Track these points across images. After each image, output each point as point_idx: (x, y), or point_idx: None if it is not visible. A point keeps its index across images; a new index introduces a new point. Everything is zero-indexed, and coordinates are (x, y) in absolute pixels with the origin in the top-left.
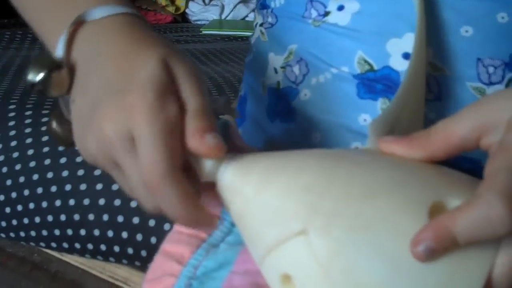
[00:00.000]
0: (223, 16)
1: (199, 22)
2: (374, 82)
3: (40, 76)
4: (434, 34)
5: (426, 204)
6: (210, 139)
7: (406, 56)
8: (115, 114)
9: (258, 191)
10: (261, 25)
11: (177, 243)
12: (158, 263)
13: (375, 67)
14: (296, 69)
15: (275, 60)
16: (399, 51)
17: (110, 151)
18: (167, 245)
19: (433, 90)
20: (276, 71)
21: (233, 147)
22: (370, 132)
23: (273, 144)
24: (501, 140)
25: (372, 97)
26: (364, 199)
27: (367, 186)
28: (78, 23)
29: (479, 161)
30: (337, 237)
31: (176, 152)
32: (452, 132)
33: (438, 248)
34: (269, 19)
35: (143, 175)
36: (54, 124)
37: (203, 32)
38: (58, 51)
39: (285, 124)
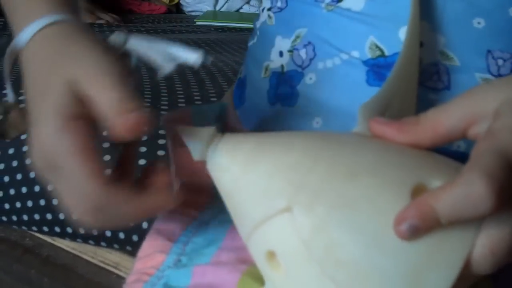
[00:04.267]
0: (217, 8)
1: (193, 13)
2: (384, 69)
3: None
4: (446, 23)
5: (409, 185)
6: (129, 117)
7: None
8: (35, 143)
9: (245, 170)
10: (269, 9)
11: (168, 221)
12: (150, 241)
13: (386, 53)
14: (303, 53)
15: (282, 43)
16: None
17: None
18: (159, 224)
19: (443, 79)
20: (281, 54)
21: (229, 129)
22: (359, 115)
23: (269, 126)
24: (488, 128)
25: (380, 84)
26: (347, 178)
27: (351, 166)
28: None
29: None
30: (320, 214)
31: (99, 168)
32: (440, 121)
33: (422, 226)
34: (278, 4)
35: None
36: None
37: (197, 23)
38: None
39: (286, 107)
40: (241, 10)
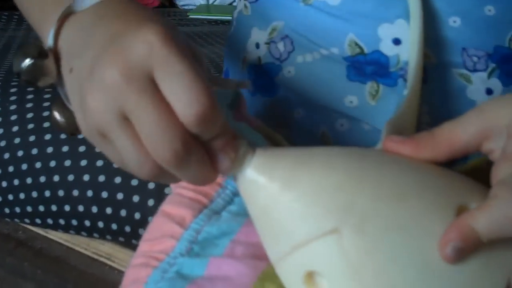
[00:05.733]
0: (210, 1)
1: (186, 7)
2: (364, 65)
3: (25, 64)
4: (424, 22)
5: (453, 207)
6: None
7: (396, 41)
8: (117, 60)
9: (285, 187)
10: None
11: (178, 205)
12: (158, 223)
13: (366, 51)
14: (280, 45)
15: (259, 35)
16: (390, 36)
17: (117, 103)
18: (167, 206)
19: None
20: (258, 46)
21: (240, 116)
22: (384, 132)
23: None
24: (504, 148)
25: (361, 80)
26: (395, 200)
27: (397, 188)
28: (68, 14)
29: None
30: (370, 237)
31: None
32: (457, 136)
33: (465, 247)
34: None
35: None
36: (56, 114)
37: (190, 16)
38: (49, 42)
39: (266, 97)
40: (234, 3)
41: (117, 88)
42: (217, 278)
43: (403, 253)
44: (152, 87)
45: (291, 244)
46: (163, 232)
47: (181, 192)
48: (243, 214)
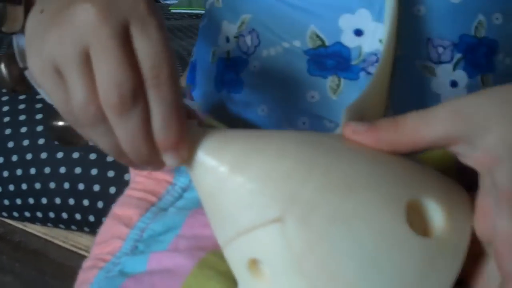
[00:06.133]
0: None
1: (168, 1)
2: (325, 58)
3: None
4: (387, 11)
5: (403, 202)
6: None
7: (357, 32)
8: (97, 2)
9: (234, 172)
10: None
11: (126, 206)
12: (107, 226)
13: (327, 43)
14: (248, 39)
15: (228, 28)
16: (351, 27)
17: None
18: (117, 209)
19: None
20: (228, 40)
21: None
22: (343, 117)
23: (216, 113)
24: (494, 180)
25: (322, 74)
26: (344, 192)
27: (346, 178)
28: None
29: None
30: (314, 228)
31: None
32: (421, 134)
33: None
34: None
35: (102, 93)
36: (2, 67)
37: (172, 10)
38: None
39: (232, 94)
40: None
41: (89, 26)
42: (157, 271)
43: (347, 245)
44: (124, 36)
45: (236, 230)
46: (112, 234)
47: (130, 193)
48: (189, 208)
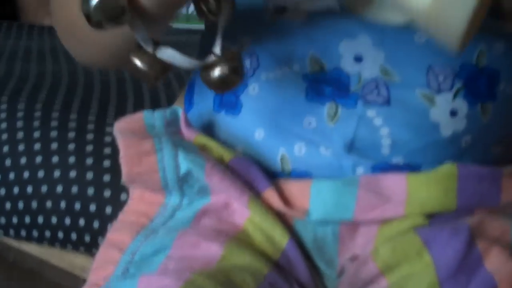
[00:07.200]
0: (189, 11)
1: None
2: (323, 84)
3: (94, 1)
4: (388, 38)
5: None
6: None
7: (357, 58)
8: None
9: None
10: None
11: (120, 231)
12: (103, 252)
13: (326, 68)
14: (247, 62)
15: None
16: (352, 52)
17: None
18: (111, 234)
19: (382, 93)
20: None
21: (180, 134)
22: None
23: (213, 135)
24: None
25: (320, 100)
26: None
27: None
28: None
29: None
30: None
31: None
32: None
33: None
34: None
35: None
36: (137, 61)
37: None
38: None
39: (230, 116)
40: None
41: None
42: None
43: None
44: None
45: None
46: (106, 259)
47: (123, 218)
48: (178, 228)
